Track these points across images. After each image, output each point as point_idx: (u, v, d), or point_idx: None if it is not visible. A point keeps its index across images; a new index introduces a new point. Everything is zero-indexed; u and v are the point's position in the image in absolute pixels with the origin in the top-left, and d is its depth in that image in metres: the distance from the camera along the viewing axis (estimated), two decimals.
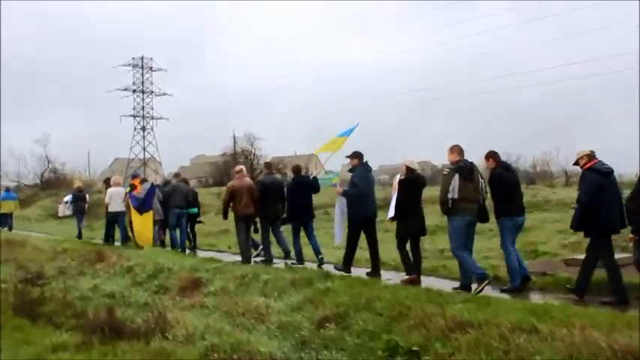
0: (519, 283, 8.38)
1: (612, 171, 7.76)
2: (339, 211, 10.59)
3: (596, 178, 7.60)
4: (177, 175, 17.63)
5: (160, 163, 79.54)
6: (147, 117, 79.33)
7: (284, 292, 8.37)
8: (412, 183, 9.34)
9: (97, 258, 12.70)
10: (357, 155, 10.14)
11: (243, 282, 9.21)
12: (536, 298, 8.01)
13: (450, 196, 8.27)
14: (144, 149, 78.91)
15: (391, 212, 9.55)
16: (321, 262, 11.29)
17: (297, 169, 12.01)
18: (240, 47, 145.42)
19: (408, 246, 9.40)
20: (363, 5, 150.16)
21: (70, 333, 7.13)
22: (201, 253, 13.85)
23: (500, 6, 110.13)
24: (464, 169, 8.38)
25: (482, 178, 8.64)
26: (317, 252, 11.55)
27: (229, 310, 8.14)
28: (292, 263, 11.35)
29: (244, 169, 12.46)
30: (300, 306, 7.72)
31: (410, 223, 9.30)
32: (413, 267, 9.29)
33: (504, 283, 8.66)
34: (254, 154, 70.57)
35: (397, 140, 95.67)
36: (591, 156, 7.79)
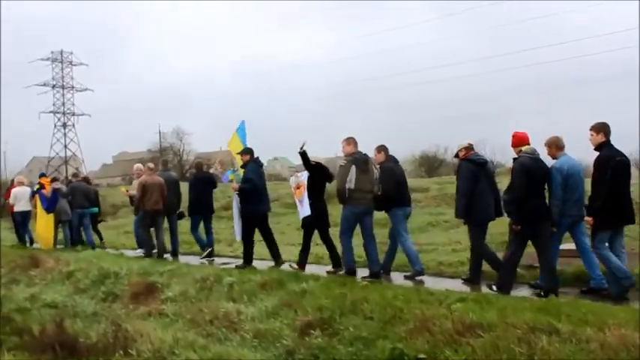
0: (421, 267, 8.72)
1: (487, 162, 8.34)
2: (237, 208, 10.36)
3: (471, 168, 7.98)
4: (75, 175, 18.10)
5: (83, 161, 76.59)
6: (67, 113, 76.49)
7: (254, 296, 7.55)
8: (318, 178, 9.45)
9: (30, 263, 11.51)
10: (248, 152, 10.21)
11: (205, 286, 8.32)
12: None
13: (347, 186, 8.55)
14: (65, 147, 75.89)
15: (307, 210, 9.29)
16: (210, 254, 11.80)
17: (198, 166, 12.91)
18: (165, 41, 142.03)
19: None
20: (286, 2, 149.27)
21: (14, 353, 6.10)
22: (129, 252, 12.72)
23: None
24: (359, 160, 8.68)
25: (376, 169, 8.86)
26: (209, 245, 12.07)
27: (194, 318, 7.30)
28: (203, 256, 11.77)
29: (153, 167, 12.63)
30: (275, 311, 6.93)
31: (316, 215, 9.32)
32: (337, 258, 9.35)
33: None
34: (183, 150, 69.29)
35: (323, 134, 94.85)
36: (469, 148, 8.26)
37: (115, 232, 19.92)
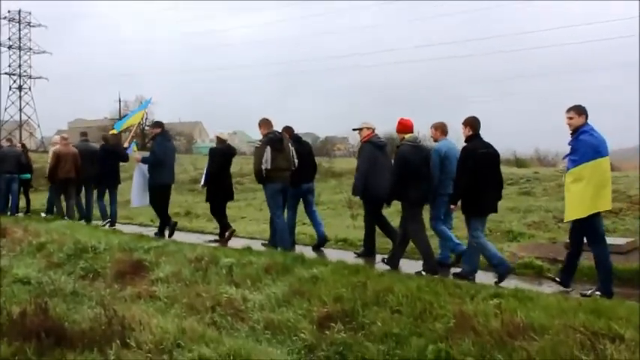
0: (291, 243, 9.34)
1: (386, 144, 8.90)
2: (138, 177, 11.22)
3: (372, 149, 8.51)
4: (9, 140, 18.32)
5: (38, 126, 74.07)
6: (24, 76, 73.44)
7: (258, 281, 6.83)
8: (222, 152, 10.43)
9: None
10: (158, 125, 11.03)
11: (199, 266, 7.57)
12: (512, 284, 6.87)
13: (264, 166, 8.78)
14: (20, 110, 72.99)
15: (203, 180, 10.66)
16: (111, 224, 12.26)
17: (105, 138, 12.88)
18: (120, 11, 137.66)
19: None
20: None
21: None
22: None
23: None
24: (274, 140, 8.93)
25: (292, 147, 9.15)
26: (113, 215, 12.49)
27: (192, 303, 6.57)
28: (103, 224, 12.23)
29: (67, 137, 13.43)
30: (287, 299, 6.24)
31: (219, 189, 10.40)
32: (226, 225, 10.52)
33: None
34: (146, 118, 67.80)
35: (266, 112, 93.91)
36: (372, 130, 8.77)
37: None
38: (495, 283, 6.83)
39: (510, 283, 6.78)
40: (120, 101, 66.79)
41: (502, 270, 7.03)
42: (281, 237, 9.05)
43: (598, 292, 6.35)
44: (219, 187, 10.34)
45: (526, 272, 7.57)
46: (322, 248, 9.58)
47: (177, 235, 10.53)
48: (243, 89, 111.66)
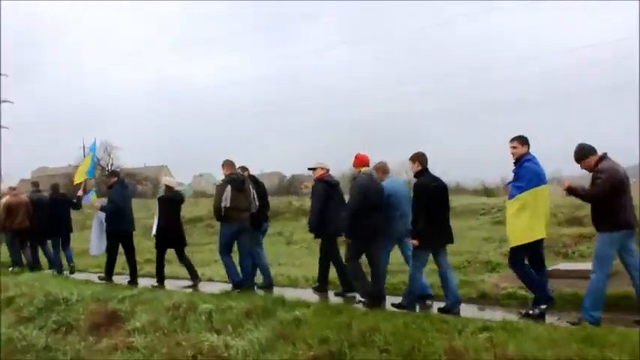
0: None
1: (338, 183, 8.99)
2: (97, 224, 11.23)
3: (325, 187, 8.67)
4: None
5: (0, 176, 72.57)
6: None
7: (240, 326, 6.66)
8: (172, 200, 10.39)
9: None
10: (114, 174, 11.53)
11: (177, 314, 7.35)
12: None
13: (223, 204, 8.90)
14: None
15: (154, 229, 10.50)
16: (71, 271, 12.28)
17: (54, 187, 12.79)
18: (84, 57, 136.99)
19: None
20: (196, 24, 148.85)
21: None
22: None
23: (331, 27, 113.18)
24: (236, 180, 9.08)
25: (253, 189, 9.36)
26: (69, 261, 12.53)
27: (171, 352, 6.40)
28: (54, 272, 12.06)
29: (16, 187, 13.55)
30: (271, 344, 6.08)
31: (168, 235, 10.21)
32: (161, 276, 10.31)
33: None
34: (112, 164, 67.05)
35: (239, 152, 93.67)
36: (326, 170, 8.93)
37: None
38: (395, 305, 7.34)
39: (496, 314, 6.71)
40: (84, 148, 65.59)
41: (407, 301, 7.42)
42: (231, 271, 9.15)
43: (537, 310, 6.72)
44: (168, 234, 10.22)
45: (510, 303, 7.50)
46: (298, 288, 9.50)
47: (153, 282, 10.27)
48: (210, 132, 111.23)
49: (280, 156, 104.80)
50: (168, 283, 10.36)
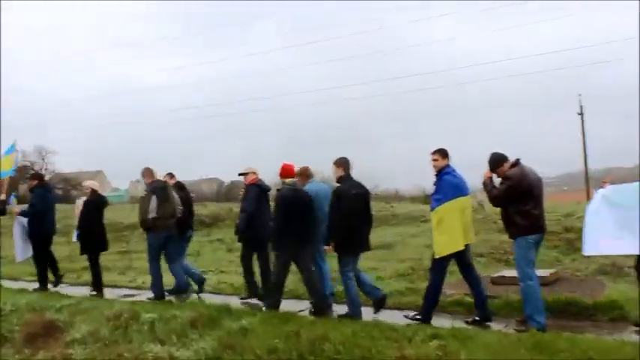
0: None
1: (270, 188, 9.09)
2: (18, 231, 11.02)
3: (257, 191, 8.81)
4: None
5: None
6: None
7: (185, 337, 6.45)
8: (96, 203, 10.29)
9: None
10: (36, 176, 11.39)
11: (119, 324, 7.07)
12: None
13: (150, 215, 8.93)
14: None
15: (75, 234, 10.68)
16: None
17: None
18: (22, 61, 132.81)
19: None
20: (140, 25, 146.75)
21: None
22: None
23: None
24: (158, 189, 9.11)
25: (176, 195, 9.42)
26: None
27: None
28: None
29: None
30: (217, 355, 5.88)
31: (92, 239, 10.15)
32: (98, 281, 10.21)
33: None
34: (46, 169, 65.21)
35: (182, 156, 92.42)
36: (257, 174, 9.03)
37: None
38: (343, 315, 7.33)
39: (444, 322, 6.73)
40: (19, 151, 63.90)
41: (352, 310, 7.38)
42: (154, 282, 9.21)
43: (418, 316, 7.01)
44: (90, 238, 10.15)
45: (458, 310, 7.56)
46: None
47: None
48: (150, 135, 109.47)
49: (220, 161, 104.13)
50: (108, 292, 10.07)
